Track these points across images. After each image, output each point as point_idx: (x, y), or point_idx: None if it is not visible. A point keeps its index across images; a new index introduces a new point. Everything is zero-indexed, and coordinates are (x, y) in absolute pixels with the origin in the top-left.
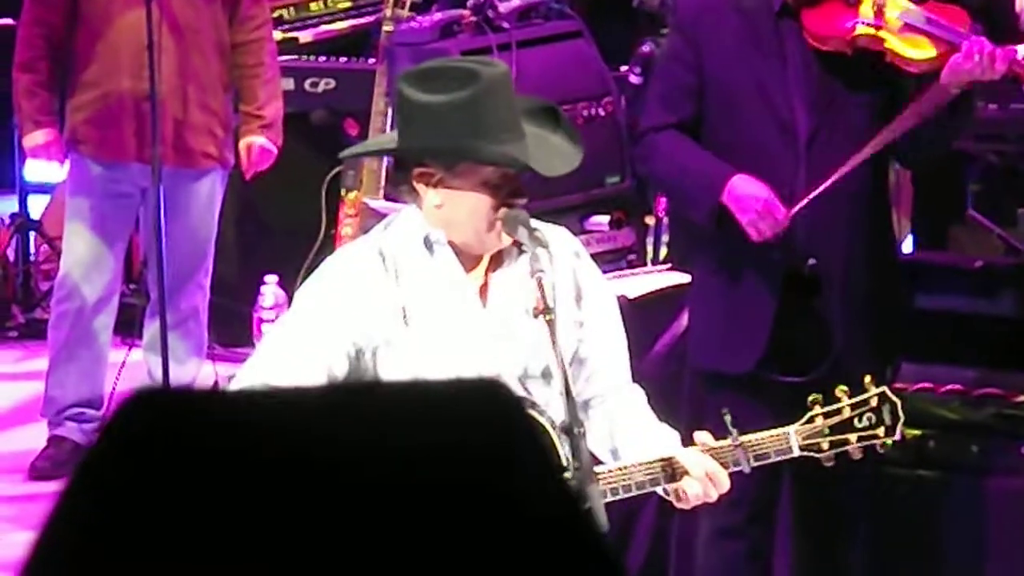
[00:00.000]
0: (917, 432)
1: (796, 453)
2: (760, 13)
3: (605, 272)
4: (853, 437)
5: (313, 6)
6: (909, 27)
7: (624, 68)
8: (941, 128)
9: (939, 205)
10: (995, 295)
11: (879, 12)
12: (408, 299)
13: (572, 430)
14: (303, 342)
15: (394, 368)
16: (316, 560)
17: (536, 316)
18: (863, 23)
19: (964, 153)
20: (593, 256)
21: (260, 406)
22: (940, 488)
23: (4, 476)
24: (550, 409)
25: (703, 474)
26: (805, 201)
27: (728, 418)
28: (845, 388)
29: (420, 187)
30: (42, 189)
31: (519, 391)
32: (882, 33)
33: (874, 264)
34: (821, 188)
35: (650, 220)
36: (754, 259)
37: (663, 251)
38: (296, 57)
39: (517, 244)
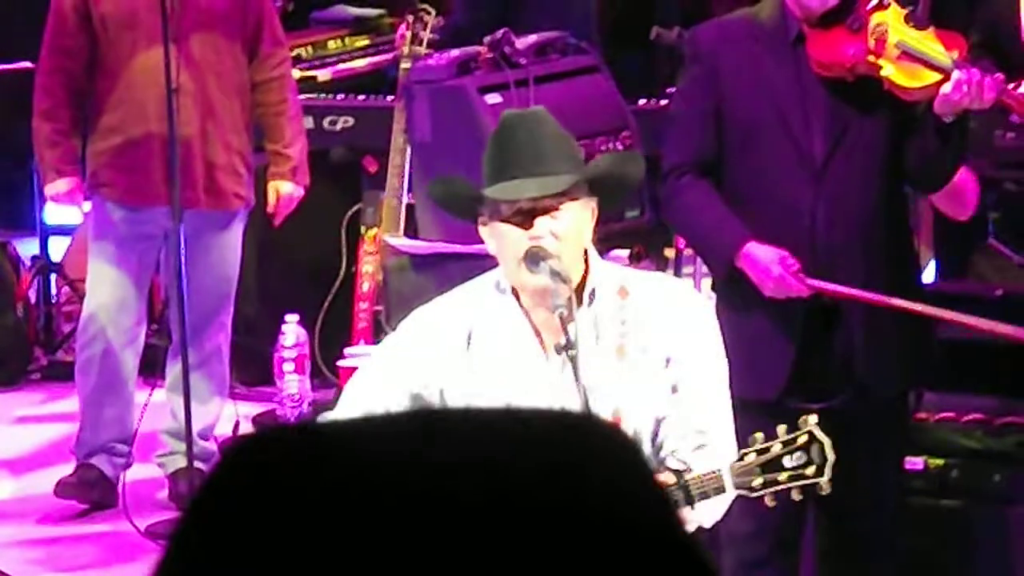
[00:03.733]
0: (940, 462)
1: (730, 491)
2: (776, 40)
3: None
4: (783, 476)
5: (331, 44)
6: (906, 55)
7: (642, 102)
8: (938, 154)
9: (960, 234)
10: (1017, 323)
11: (880, 40)
12: (476, 342)
13: None
14: (368, 387)
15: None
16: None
17: (559, 353)
18: (862, 51)
19: (984, 180)
20: None
21: (361, 436)
22: (963, 517)
23: (29, 519)
24: None
25: None
26: (828, 288)
27: (674, 456)
28: (784, 426)
29: (481, 231)
30: (63, 231)
31: None
32: (880, 61)
33: (895, 291)
34: (847, 291)
35: (670, 253)
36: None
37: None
38: (314, 95)
39: (591, 292)
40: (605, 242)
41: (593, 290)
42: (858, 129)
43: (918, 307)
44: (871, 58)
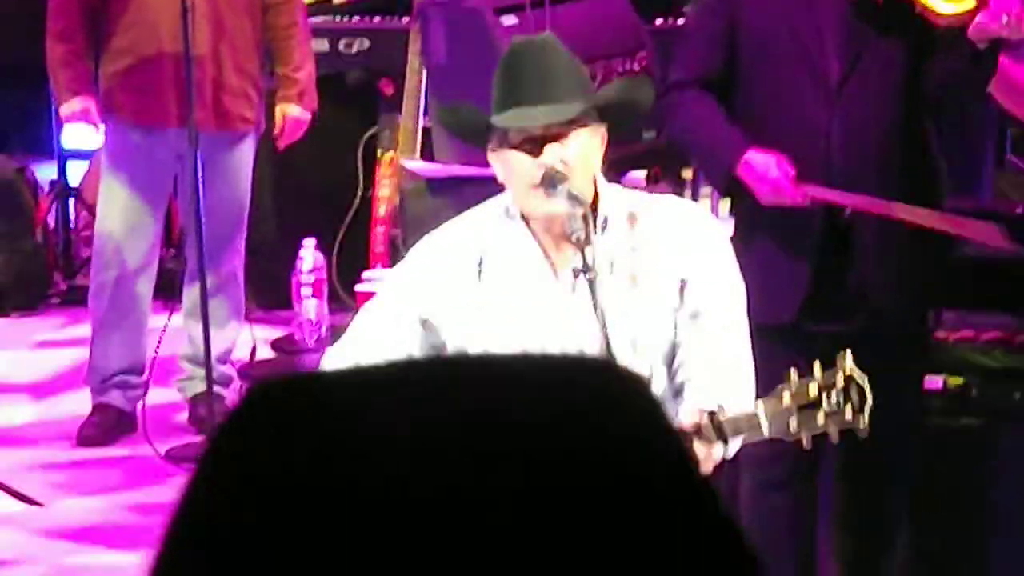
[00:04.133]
0: (959, 380)
1: (766, 433)
2: None
3: None
4: (820, 417)
5: None
6: None
7: (659, 22)
8: (967, 77)
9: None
10: None
11: None
12: (487, 268)
13: None
14: (379, 314)
15: (465, 336)
16: (448, 536)
17: (576, 276)
18: None
19: None
20: None
21: (378, 385)
22: (984, 436)
23: (50, 443)
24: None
25: None
26: (825, 195)
27: (701, 400)
28: (819, 365)
29: (490, 158)
30: (81, 156)
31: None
32: None
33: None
34: (845, 198)
35: (687, 174)
36: (791, 210)
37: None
38: (330, 18)
39: (603, 219)
40: (622, 164)
41: (605, 217)
42: (875, 52)
43: (921, 215)
44: None
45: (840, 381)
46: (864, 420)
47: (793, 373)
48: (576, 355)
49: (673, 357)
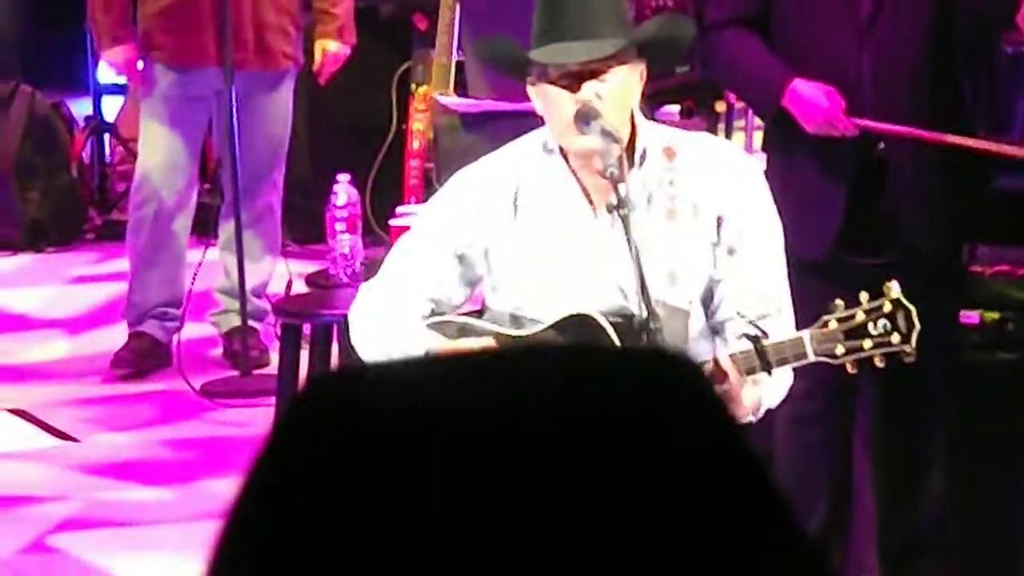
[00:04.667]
0: (995, 315)
1: (812, 358)
2: None
3: None
4: (867, 343)
5: None
6: None
7: None
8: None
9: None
10: None
11: None
12: (523, 202)
13: (647, 328)
14: (414, 248)
15: (502, 270)
16: (500, 531)
17: (610, 212)
18: None
19: None
20: None
21: (428, 379)
22: (1020, 370)
23: (86, 378)
24: (679, 321)
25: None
26: (875, 127)
27: (743, 326)
28: (866, 294)
29: (529, 91)
30: (116, 91)
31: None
32: None
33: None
34: (896, 128)
35: (720, 107)
36: (825, 143)
37: (735, 137)
38: None
39: (641, 153)
40: (656, 98)
41: (644, 151)
42: None
43: (970, 142)
44: None
45: (887, 307)
46: (912, 346)
47: (839, 301)
48: (628, 348)
49: (711, 293)
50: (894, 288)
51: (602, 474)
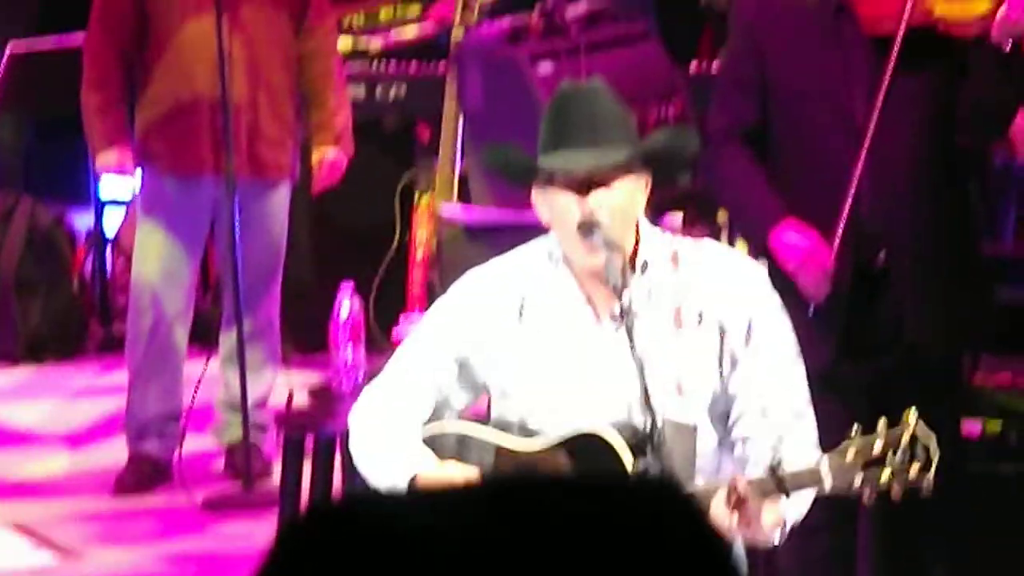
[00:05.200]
0: (997, 425)
1: (828, 486)
2: (820, 8)
3: None
4: (886, 473)
5: (383, 13)
6: None
7: (693, 67)
8: (1001, 90)
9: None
10: None
11: None
12: (528, 310)
13: (652, 445)
14: (417, 351)
15: (504, 378)
16: None
17: (614, 322)
18: None
19: None
20: None
21: (430, 511)
22: (1021, 481)
23: (87, 493)
24: (685, 438)
25: (724, 504)
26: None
27: (761, 452)
28: (884, 420)
29: (534, 198)
30: (118, 204)
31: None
32: (930, 2)
33: (950, 254)
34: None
35: (722, 217)
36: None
37: (738, 246)
38: (367, 64)
39: (643, 262)
40: (658, 206)
41: (646, 260)
42: (902, 95)
43: None
44: (921, 2)
45: (906, 438)
46: (930, 479)
47: (857, 426)
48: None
49: (725, 407)
50: (913, 417)
51: None
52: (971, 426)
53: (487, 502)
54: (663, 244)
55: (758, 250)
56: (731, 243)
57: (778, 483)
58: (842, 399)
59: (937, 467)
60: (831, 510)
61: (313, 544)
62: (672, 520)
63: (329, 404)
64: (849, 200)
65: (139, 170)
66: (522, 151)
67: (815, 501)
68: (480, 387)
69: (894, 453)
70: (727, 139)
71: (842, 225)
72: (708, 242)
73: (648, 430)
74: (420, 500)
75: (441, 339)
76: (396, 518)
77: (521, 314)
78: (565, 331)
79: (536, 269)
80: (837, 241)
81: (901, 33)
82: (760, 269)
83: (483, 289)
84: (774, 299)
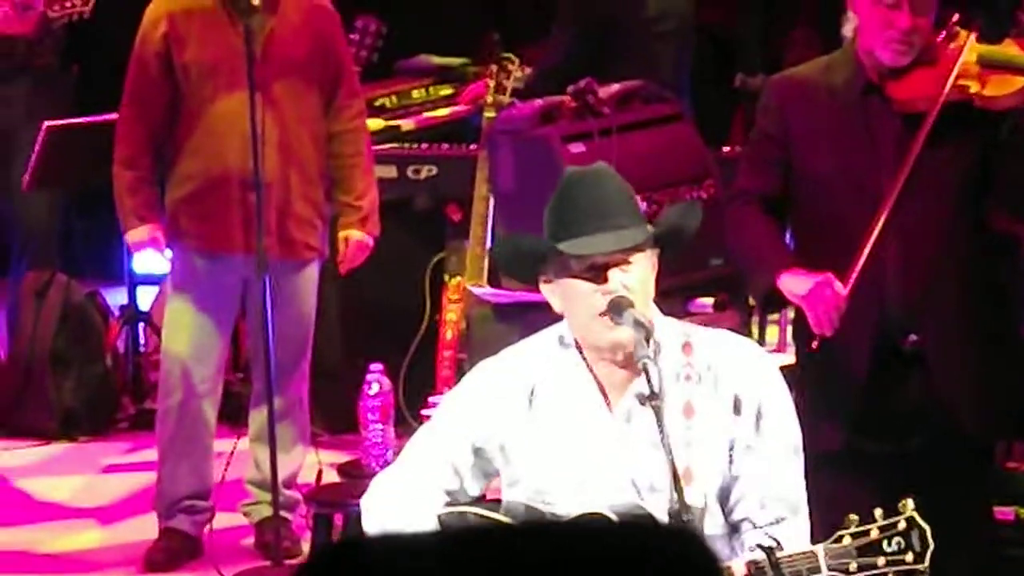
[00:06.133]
0: None
1: (825, 573)
2: (848, 91)
3: None
4: (880, 561)
5: (415, 93)
6: (990, 67)
7: (726, 149)
8: None
9: None
10: None
11: (960, 61)
12: (539, 398)
13: (679, 520)
14: (432, 440)
15: (518, 465)
16: None
17: (642, 404)
18: (944, 79)
19: None
20: None
21: (446, 552)
22: None
23: (117, 568)
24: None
25: None
26: (854, 277)
27: (758, 539)
28: (880, 510)
29: (544, 289)
30: (151, 281)
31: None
32: (965, 81)
33: (986, 336)
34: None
35: (754, 302)
36: (843, 336)
37: (769, 331)
38: (398, 145)
39: (655, 346)
40: (688, 290)
41: (658, 344)
42: (930, 169)
43: None
44: (956, 81)
45: (902, 525)
46: (925, 567)
47: (853, 516)
48: (630, 524)
49: (728, 492)
50: (909, 505)
51: None
52: (1004, 513)
53: (500, 546)
54: (674, 331)
55: (759, 297)
56: (762, 328)
57: (774, 567)
58: (858, 479)
59: (967, 548)
60: None
61: None
62: (681, 560)
63: (358, 482)
64: (864, 255)
65: (168, 248)
66: (534, 240)
67: None
68: (492, 475)
69: (889, 540)
70: (746, 201)
71: (855, 273)
72: (721, 332)
73: (677, 507)
74: (429, 542)
75: (456, 426)
76: (409, 558)
77: (531, 402)
78: (575, 417)
79: (547, 356)
80: (850, 285)
81: (936, 111)
82: (770, 359)
83: (495, 378)
84: (784, 391)
